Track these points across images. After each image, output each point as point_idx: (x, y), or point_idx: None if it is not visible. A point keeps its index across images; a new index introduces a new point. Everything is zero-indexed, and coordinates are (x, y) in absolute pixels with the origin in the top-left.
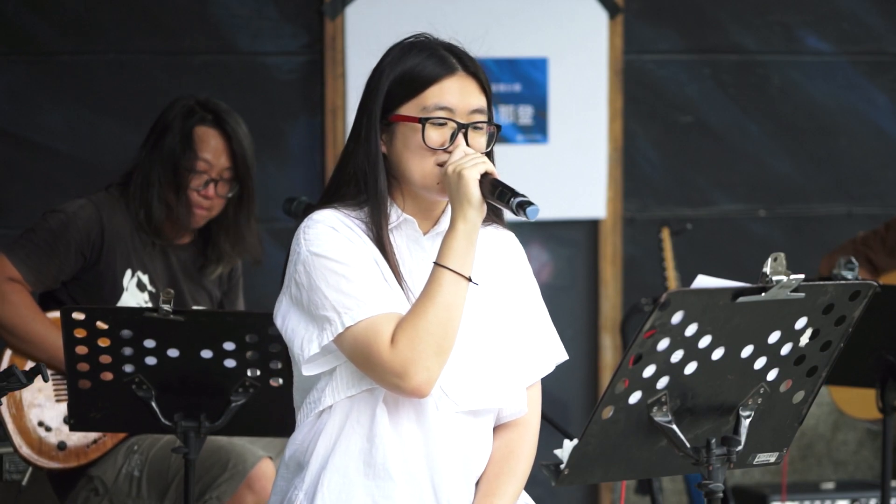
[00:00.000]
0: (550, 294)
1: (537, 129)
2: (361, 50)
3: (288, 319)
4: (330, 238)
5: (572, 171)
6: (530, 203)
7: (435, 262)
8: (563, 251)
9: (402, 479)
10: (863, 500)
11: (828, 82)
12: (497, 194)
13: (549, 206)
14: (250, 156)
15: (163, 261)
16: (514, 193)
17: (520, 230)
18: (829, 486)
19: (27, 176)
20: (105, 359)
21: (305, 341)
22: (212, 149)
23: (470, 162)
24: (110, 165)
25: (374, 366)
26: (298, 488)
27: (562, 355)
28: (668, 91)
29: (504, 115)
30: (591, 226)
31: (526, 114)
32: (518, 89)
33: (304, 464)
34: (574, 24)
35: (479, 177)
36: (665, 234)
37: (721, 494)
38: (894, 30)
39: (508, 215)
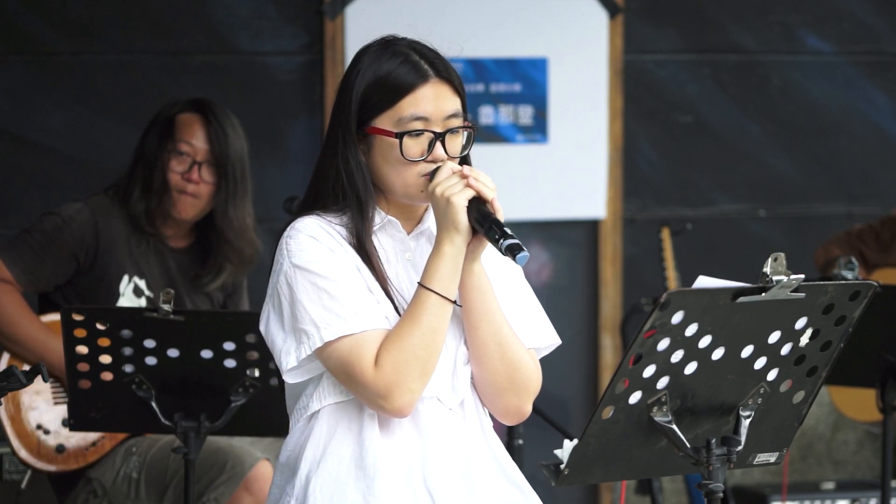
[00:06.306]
0: (550, 294)
1: (537, 129)
2: None
3: (270, 328)
4: (312, 249)
5: (572, 171)
6: (521, 248)
7: (420, 283)
8: (563, 251)
9: (393, 479)
10: (863, 500)
11: (828, 82)
12: (486, 230)
13: (549, 206)
14: (235, 145)
15: (160, 265)
16: (504, 234)
17: (520, 230)
18: (829, 486)
19: (27, 176)
20: (105, 359)
21: (283, 353)
22: (194, 133)
23: (457, 187)
24: (110, 165)
25: (356, 385)
26: (290, 495)
27: (552, 338)
28: (668, 91)
29: (504, 115)
30: (591, 226)
31: (526, 114)
32: (518, 89)
33: (296, 469)
34: (574, 24)
35: (466, 203)
36: (665, 234)
37: (721, 494)
38: (894, 30)
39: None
